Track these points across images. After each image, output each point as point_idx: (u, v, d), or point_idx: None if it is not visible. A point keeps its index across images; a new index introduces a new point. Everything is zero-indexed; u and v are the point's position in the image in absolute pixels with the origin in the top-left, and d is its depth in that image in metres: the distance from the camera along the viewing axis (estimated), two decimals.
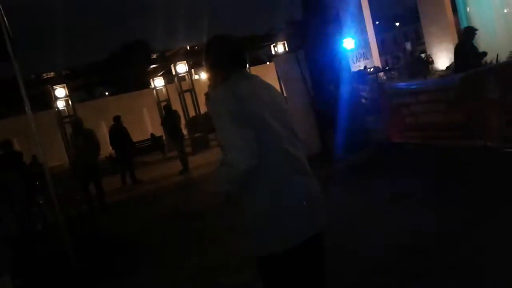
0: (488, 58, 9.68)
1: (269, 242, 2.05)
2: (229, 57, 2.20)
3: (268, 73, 19.20)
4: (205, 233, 5.96)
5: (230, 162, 1.95)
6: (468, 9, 11.95)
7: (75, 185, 9.38)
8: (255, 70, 26.48)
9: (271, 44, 22.00)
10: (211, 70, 2.27)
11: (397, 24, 55.40)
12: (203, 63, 2.34)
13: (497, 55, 8.60)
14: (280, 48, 21.89)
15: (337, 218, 3.08)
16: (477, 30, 7.64)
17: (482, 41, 11.40)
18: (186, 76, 19.50)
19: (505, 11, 10.86)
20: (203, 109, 23.71)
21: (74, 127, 9.90)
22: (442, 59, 19.65)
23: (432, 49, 20.84)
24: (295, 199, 2.05)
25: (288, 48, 21.15)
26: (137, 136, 17.58)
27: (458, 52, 7.78)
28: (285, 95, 11.28)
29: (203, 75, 34.46)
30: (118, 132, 12.14)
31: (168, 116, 12.71)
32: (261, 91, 2.16)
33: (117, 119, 12.28)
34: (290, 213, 2.03)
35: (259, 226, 2.06)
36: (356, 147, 7.61)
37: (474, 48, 7.59)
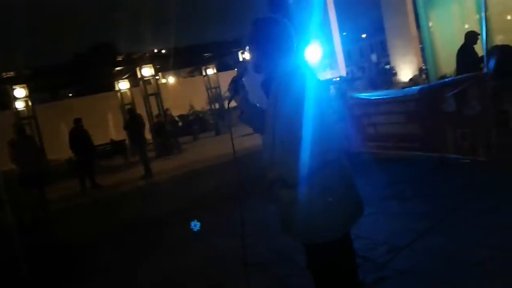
0: (447, 73, 9.97)
1: (330, 227, 2.10)
2: (286, 43, 2.18)
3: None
4: (163, 241, 5.85)
5: (314, 151, 1.96)
6: (430, 24, 12.26)
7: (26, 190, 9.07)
8: (223, 76, 26.44)
9: (239, 50, 22.00)
10: (263, 57, 2.21)
11: (364, 35, 56.60)
12: (251, 48, 2.26)
13: (455, 69, 8.83)
14: (248, 55, 21.89)
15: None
16: (478, 34, 7.60)
17: (442, 56, 11.76)
18: (152, 80, 19.23)
19: (466, 26, 11.20)
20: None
21: (16, 132, 9.54)
22: (406, 71, 20.17)
23: (396, 61, 21.37)
24: (347, 185, 2.16)
25: None
26: (100, 139, 17.19)
27: (461, 56, 7.70)
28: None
29: (171, 79, 34.30)
30: (79, 135, 11.83)
31: (131, 120, 12.50)
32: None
33: (77, 121, 11.97)
34: (346, 199, 2.14)
35: (320, 212, 2.07)
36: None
37: (475, 53, 7.52)
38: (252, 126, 2.46)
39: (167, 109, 20.39)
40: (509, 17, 10.43)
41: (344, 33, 44.57)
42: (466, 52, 7.58)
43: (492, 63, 5.86)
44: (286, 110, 2.01)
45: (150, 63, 18.76)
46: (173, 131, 17.57)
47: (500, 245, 3.55)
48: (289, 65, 2.14)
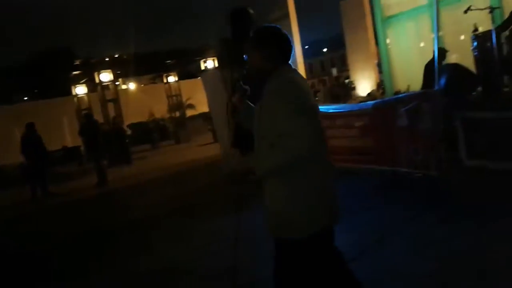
0: (401, 89, 10.25)
1: (293, 224, 2.17)
2: (283, 51, 2.32)
3: (196, 88, 19.00)
4: (112, 251, 5.67)
5: (290, 148, 2.06)
6: (388, 41, 12.62)
7: None
8: (184, 84, 26.22)
9: (202, 59, 21.91)
10: (262, 61, 2.30)
11: (325, 50, 57.68)
12: (249, 53, 2.37)
13: (408, 85, 9.11)
14: (210, 63, 21.85)
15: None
16: (447, 51, 7.77)
17: (397, 72, 12.10)
18: (111, 85, 18.83)
19: (422, 45, 11.56)
20: (128, 120, 23.02)
21: None
22: (364, 85, 20.65)
23: (356, 76, 21.86)
24: (330, 185, 2.30)
25: (218, 65, 21.16)
26: (54, 145, 16.61)
27: (428, 71, 7.82)
28: (210, 111, 11.22)
29: (132, 85, 33.69)
30: (31, 140, 11.36)
31: (87, 125, 12.15)
32: (307, 85, 2.33)
33: (30, 126, 11.50)
34: (328, 197, 2.27)
35: (300, 207, 2.15)
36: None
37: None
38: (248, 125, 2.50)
39: (115, 117, 19.23)
40: (462, 37, 10.87)
41: (306, 46, 45.35)
42: (433, 68, 7.78)
43: (443, 80, 6.06)
44: (287, 114, 2.09)
45: (109, 68, 18.38)
46: (122, 140, 16.58)
47: (447, 258, 3.63)
48: (285, 70, 2.29)
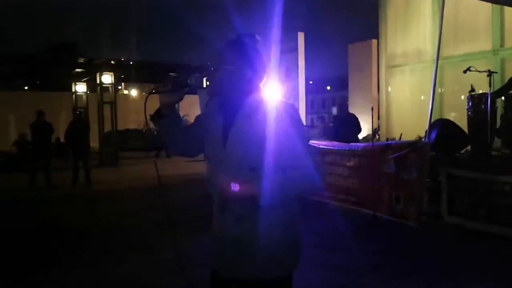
0: (395, 137, 10.34)
1: (293, 260, 1.97)
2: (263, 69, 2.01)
3: (195, 104, 19.02)
4: (66, 256, 5.57)
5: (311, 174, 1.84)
6: (389, 89, 12.83)
7: None
8: (184, 99, 26.29)
9: (204, 76, 22.00)
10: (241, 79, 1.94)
11: (328, 88, 58.40)
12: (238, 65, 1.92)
13: (401, 134, 9.20)
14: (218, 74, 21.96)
15: None
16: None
17: (394, 120, 12.25)
18: (110, 88, 18.85)
19: (422, 98, 11.75)
20: (124, 125, 23.00)
21: None
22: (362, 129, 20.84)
23: None
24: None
25: None
26: None
27: None
28: None
29: (134, 92, 33.79)
30: (40, 127, 11.43)
31: (76, 124, 12.03)
32: None
33: (39, 114, 11.59)
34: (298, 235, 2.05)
35: (290, 241, 1.96)
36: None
37: None
38: (167, 136, 2.08)
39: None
40: (462, 97, 11.06)
41: (311, 82, 45.88)
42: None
43: (433, 134, 6.13)
44: (295, 135, 1.85)
45: (111, 71, 18.44)
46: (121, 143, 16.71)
47: None
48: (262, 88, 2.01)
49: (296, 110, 1.92)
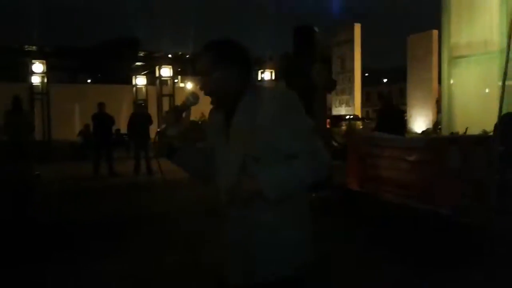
0: (459, 131, 9.94)
1: (305, 258, 1.89)
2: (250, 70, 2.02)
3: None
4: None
5: (322, 162, 1.82)
6: (452, 81, 12.31)
7: None
8: None
9: (260, 70, 22.08)
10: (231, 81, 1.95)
11: (385, 80, 56.90)
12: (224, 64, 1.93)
13: (467, 128, 8.83)
14: (267, 75, 22.05)
15: None
16: None
17: (458, 114, 11.76)
18: (169, 81, 19.39)
19: (487, 91, 11.22)
20: None
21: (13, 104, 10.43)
22: (419, 123, 20.20)
23: (412, 112, 21.42)
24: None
25: (275, 77, 21.35)
26: None
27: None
28: None
29: (189, 85, 34.46)
30: (101, 119, 12.13)
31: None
32: None
33: (101, 105, 12.31)
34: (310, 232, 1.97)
35: (299, 238, 1.88)
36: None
37: None
38: (187, 167, 2.15)
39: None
40: None
41: (366, 74, 44.92)
42: None
43: (503, 129, 5.83)
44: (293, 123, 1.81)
45: (170, 64, 18.92)
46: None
47: None
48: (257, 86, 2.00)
49: (289, 97, 1.85)
